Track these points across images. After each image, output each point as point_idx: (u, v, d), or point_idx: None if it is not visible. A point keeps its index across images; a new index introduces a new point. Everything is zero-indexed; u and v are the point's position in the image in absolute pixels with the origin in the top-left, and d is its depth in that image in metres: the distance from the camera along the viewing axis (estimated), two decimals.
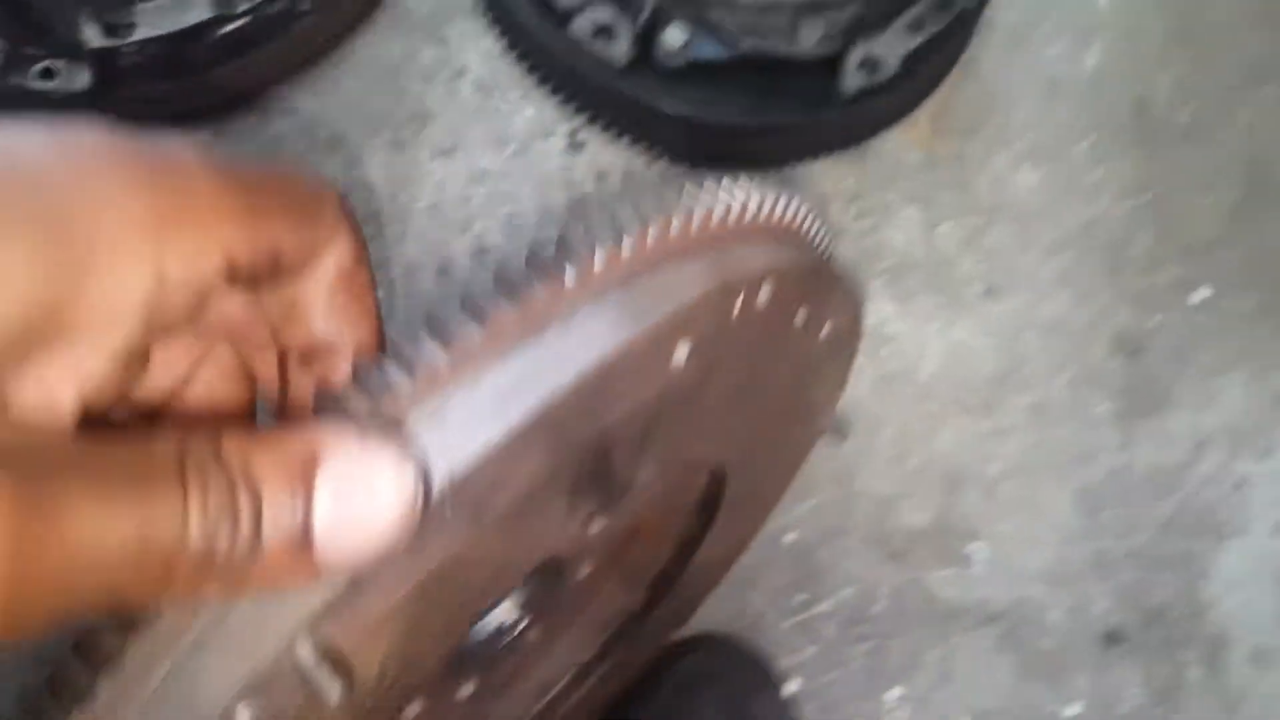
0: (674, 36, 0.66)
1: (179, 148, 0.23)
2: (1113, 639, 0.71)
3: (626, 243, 0.29)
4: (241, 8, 0.66)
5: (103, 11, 0.65)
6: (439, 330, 0.26)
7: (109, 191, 0.22)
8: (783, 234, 0.35)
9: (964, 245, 0.74)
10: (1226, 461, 0.73)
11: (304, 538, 0.22)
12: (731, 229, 0.32)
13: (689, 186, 0.32)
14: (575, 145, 0.74)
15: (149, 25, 0.66)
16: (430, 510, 0.24)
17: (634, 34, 0.66)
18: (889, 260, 0.73)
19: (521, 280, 0.27)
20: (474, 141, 0.73)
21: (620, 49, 0.66)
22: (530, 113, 0.74)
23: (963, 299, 0.74)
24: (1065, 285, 0.74)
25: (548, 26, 0.68)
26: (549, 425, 0.27)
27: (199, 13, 0.65)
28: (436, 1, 0.75)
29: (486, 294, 0.27)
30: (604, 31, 0.66)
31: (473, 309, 0.26)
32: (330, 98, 0.73)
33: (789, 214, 0.35)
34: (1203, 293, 0.75)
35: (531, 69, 0.72)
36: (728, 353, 0.33)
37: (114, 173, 0.22)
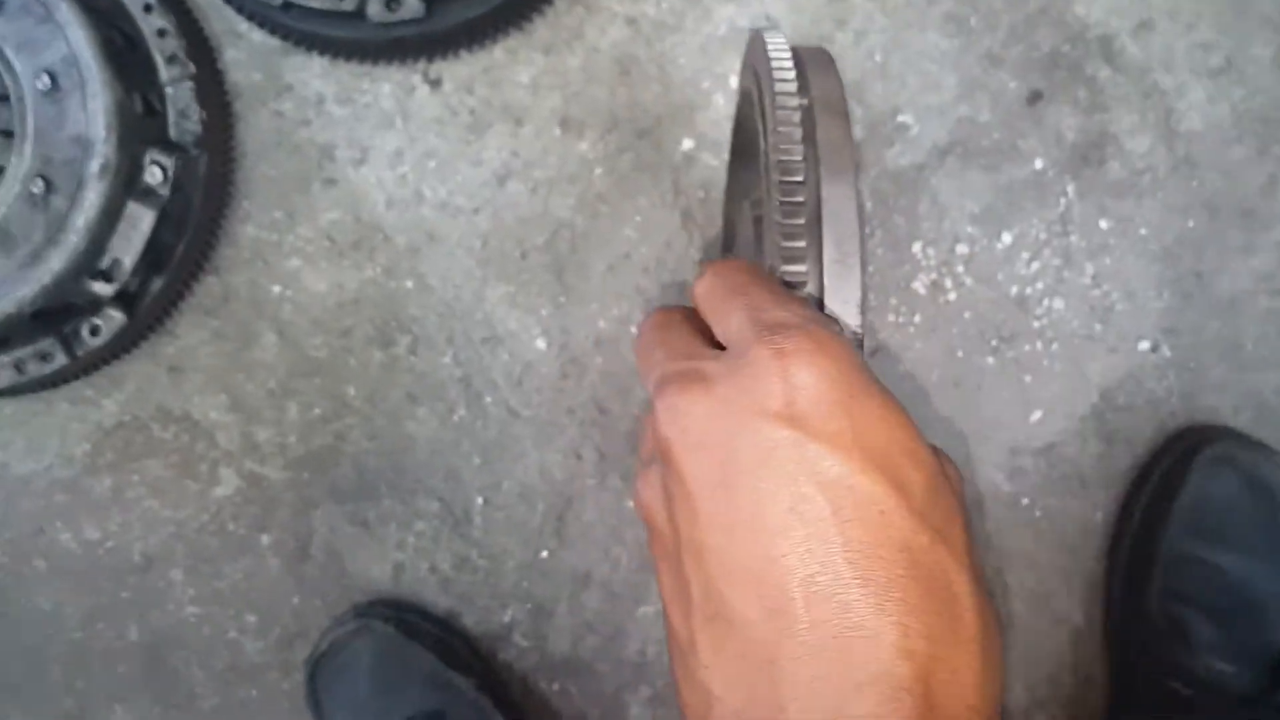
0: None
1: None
2: (1035, 98, 0.87)
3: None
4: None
5: None
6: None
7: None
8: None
9: None
10: None
11: None
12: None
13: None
14: (434, 83, 0.87)
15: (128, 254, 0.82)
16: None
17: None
18: None
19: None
20: (371, 138, 0.88)
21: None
22: (387, 87, 0.87)
23: None
24: None
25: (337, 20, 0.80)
26: None
27: None
28: (261, 66, 0.87)
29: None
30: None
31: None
32: (259, 195, 0.88)
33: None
34: None
35: (361, 59, 0.85)
36: None
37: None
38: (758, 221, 0.61)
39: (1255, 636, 0.77)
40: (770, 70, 0.45)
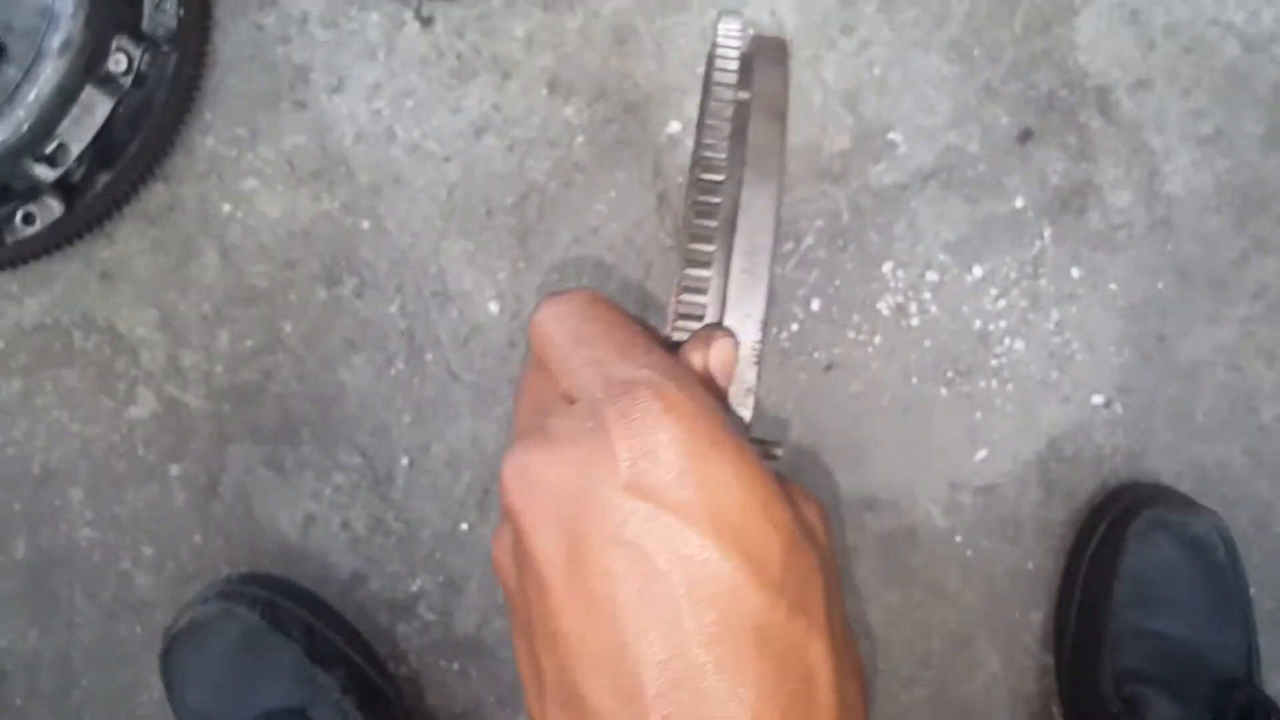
0: None
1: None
2: (1025, 137, 0.86)
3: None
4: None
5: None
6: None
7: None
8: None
9: None
10: None
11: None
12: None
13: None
14: (425, 20, 0.85)
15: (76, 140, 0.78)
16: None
17: None
18: None
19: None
20: (351, 66, 0.85)
21: None
22: (375, 17, 0.84)
23: None
24: None
25: None
26: None
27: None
28: None
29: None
30: None
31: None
32: (224, 106, 0.85)
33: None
34: None
35: None
36: None
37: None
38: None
39: (1212, 703, 0.77)
40: (713, 58, 0.43)
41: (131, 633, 0.89)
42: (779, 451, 0.40)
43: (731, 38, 0.45)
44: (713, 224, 0.39)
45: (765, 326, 0.39)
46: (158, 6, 0.79)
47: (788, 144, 0.42)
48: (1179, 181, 0.86)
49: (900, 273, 0.86)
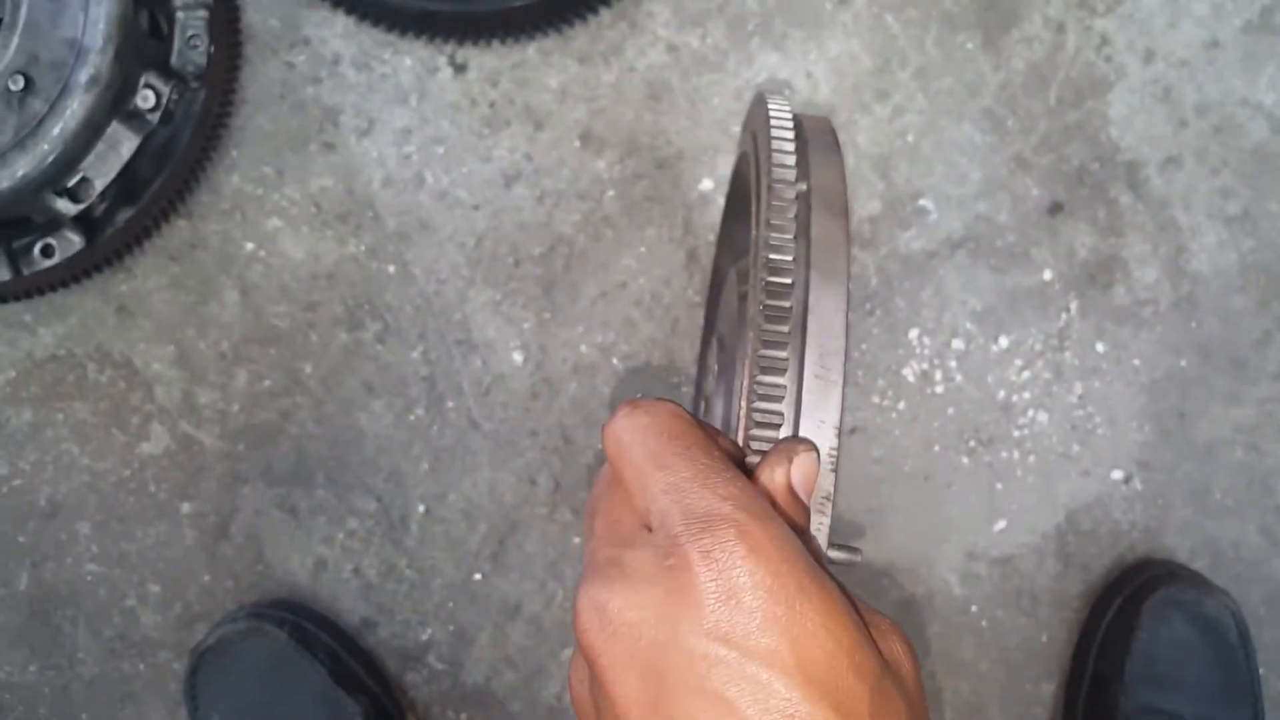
0: None
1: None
2: (1055, 210, 0.86)
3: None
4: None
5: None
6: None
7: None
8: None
9: None
10: (1083, 29, 0.85)
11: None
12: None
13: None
14: (459, 67, 0.84)
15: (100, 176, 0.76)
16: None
17: None
18: (753, 20, 0.83)
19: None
20: (381, 110, 0.84)
21: None
22: (409, 61, 0.83)
23: (821, 19, 0.84)
24: None
25: None
26: None
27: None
28: (281, 13, 0.83)
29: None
30: None
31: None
32: (251, 145, 0.84)
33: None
34: None
35: (388, 27, 0.81)
36: None
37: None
38: (743, 299, 0.58)
39: None
40: (769, 148, 0.42)
41: (135, 670, 0.87)
42: (859, 558, 0.39)
43: (784, 124, 0.44)
44: (785, 329, 0.39)
45: (841, 433, 0.38)
46: (188, 43, 0.78)
47: (850, 239, 0.41)
48: (1205, 259, 0.86)
49: (926, 340, 0.86)
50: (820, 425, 0.38)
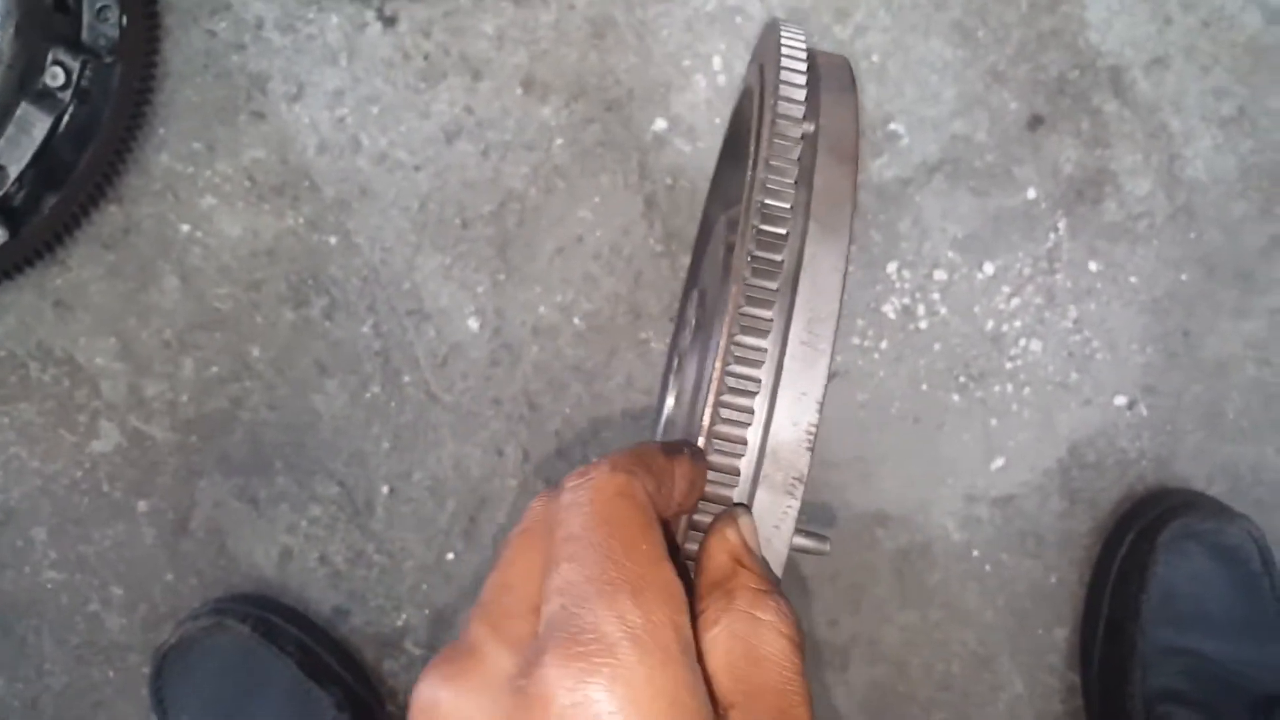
0: None
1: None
2: (1035, 124, 0.81)
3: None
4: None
5: None
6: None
7: None
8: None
9: None
10: None
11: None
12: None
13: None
14: (388, 20, 0.79)
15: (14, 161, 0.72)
16: None
17: None
18: None
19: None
20: (311, 73, 0.79)
21: None
22: (335, 19, 0.79)
23: None
24: None
25: None
26: None
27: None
28: None
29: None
30: None
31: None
32: (178, 120, 0.79)
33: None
34: None
35: None
36: None
37: None
38: (730, 251, 0.53)
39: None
40: (777, 80, 0.37)
41: (104, 677, 0.84)
42: (827, 548, 0.35)
43: (797, 56, 0.38)
44: (774, 286, 0.34)
45: (822, 406, 0.34)
46: (98, 15, 0.74)
47: (858, 191, 0.36)
48: (1200, 166, 0.81)
49: (906, 273, 0.81)
50: (801, 398, 0.33)
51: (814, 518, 0.81)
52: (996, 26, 0.80)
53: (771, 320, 0.34)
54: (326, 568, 0.82)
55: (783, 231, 0.34)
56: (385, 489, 0.82)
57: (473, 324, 0.80)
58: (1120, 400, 0.81)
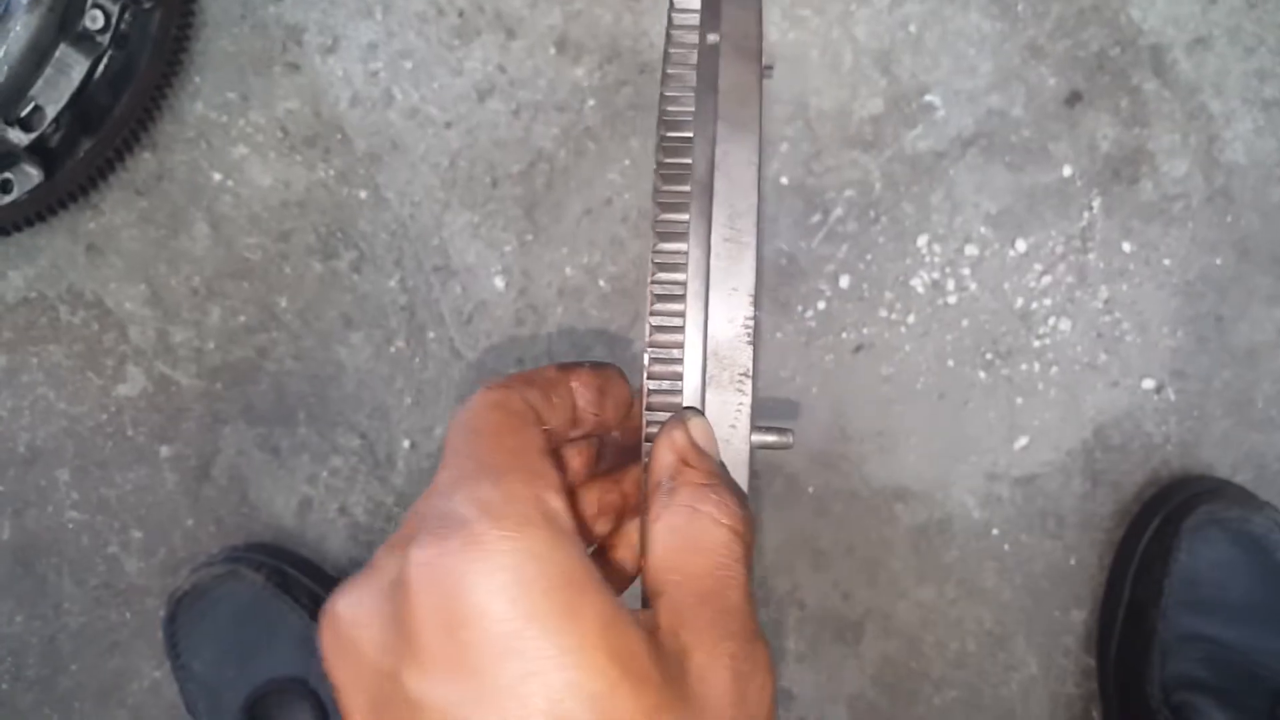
0: None
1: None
2: (1073, 100, 0.80)
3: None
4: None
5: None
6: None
7: None
8: None
9: None
10: None
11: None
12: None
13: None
14: None
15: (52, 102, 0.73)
16: None
17: None
18: None
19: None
20: (346, 26, 0.79)
21: None
22: None
23: None
24: None
25: None
26: None
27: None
28: None
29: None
30: None
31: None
32: (213, 70, 0.80)
33: None
34: None
35: None
36: None
37: None
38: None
39: (1270, 714, 0.71)
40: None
41: (121, 619, 0.85)
42: (790, 439, 0.35)
43: None
44: (685, 189, 0.35)
45: (757, 299, 0.34)
46: None
47: (764, 89, 0.36)
48: (1240, 149, 0.79)
49: (937, 247, 0.80)
50: (733, 293, 0.34)
51: (831, 483, 0.81)
52: (1036, 1, 0.79)
53: (687, 222, 0.34)
54: (346, 518, 0.83)
55: (687, 135, 0.35)
56: (406, 443, 0.82)
57: (499, 283, 0.81)
58: (1148, 383, 0.80)
